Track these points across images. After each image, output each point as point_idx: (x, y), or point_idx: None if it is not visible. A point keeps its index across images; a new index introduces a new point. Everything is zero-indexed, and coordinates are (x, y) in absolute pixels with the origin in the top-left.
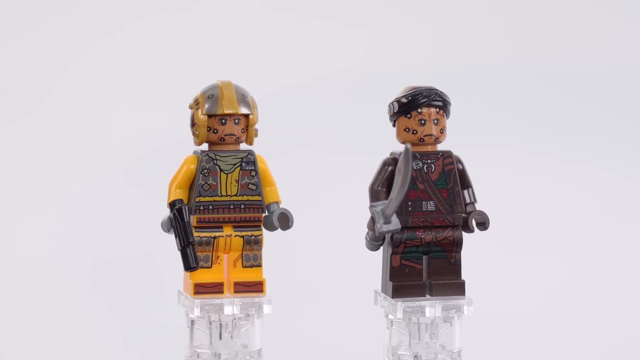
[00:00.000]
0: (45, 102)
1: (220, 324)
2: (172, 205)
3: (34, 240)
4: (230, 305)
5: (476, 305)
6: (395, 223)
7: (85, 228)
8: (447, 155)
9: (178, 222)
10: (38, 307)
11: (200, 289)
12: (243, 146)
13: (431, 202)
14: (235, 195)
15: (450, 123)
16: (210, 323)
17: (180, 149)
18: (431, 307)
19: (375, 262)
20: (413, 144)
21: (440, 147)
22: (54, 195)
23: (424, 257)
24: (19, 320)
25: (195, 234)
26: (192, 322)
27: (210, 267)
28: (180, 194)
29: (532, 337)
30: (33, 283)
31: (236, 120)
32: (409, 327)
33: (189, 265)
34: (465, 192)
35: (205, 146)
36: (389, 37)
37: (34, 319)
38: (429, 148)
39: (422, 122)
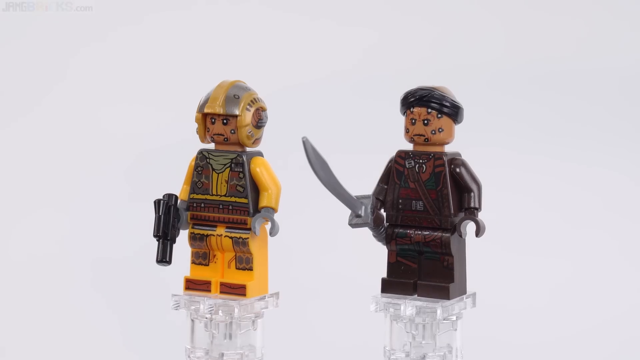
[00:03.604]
0: (47, 101)
1: (211, 323)
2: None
3: (35, 239)
4: (204, 304)
5: (477, 306)
6: (364, 217)
7: (86, 227)
8: (438, 157)
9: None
10: (36, 306)
11: (191, 285)
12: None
13: (420, 202)
14: (225, 195)
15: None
16: (193, 320)
17: (183, 148)
18: (405, 307)
19: (376, 262)
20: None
21: (448, 148)
22: (55, 194)
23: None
24: (20, 318)
25: (190, 230)
26: (192, 321)
27: (208, 265)
28: (184, 190)
29: (533, 336)
30: (33, 282)
31: (224, 121)
32: (403, 326)
33: (156, 258)
34: (467, 196)
35: (212, 145)
36: (392, 37)
37: (32, 318)
38: (435, 148)
39: (413, 121)
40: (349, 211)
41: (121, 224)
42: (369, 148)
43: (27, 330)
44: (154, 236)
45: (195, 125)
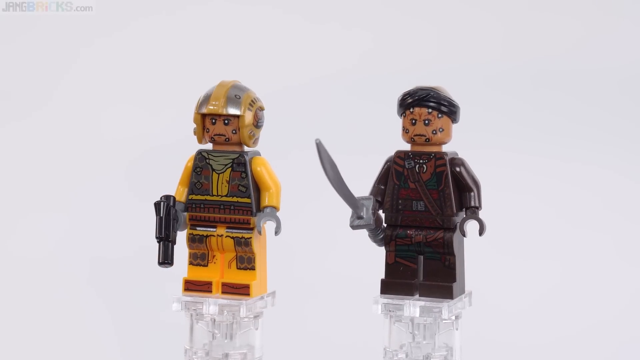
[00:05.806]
0: (47, 101)
1: (214, 324)
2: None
3: (34, 240)
4: (209, 305)
5: (475, 306)
6: (366, 219)
7: (85, 227)
8: (440, 156)
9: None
10: (36, 306)
11: (190, 286)
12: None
13: (421, 202)
14: (226, 195)
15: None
16: (204, 322)
17: (182, 148)
18: (409, 307)
19: (376, 261)
20: (410, 144)
21: (445, 148)
22: (55, 195)
23: (420, 258)
24: (18, 319)
25: (189, 231)
26: (191, 321)
27: (206, 265)
28: (180, 191)
29: (531, 337)
30: (32, 282)
31: (226, 121)
32: (403, 326)
33: (158, 260)
34: (468, 195)
35: (210, 146)
36: (390, 37)
37: (31, 319)
38: (434, 148)
39: (413, 121)
40: (348, 211)
41: (120, 224)
42: (367, 149)
43: (24, 330)
44: (157, 238)
45: (193, 126)
